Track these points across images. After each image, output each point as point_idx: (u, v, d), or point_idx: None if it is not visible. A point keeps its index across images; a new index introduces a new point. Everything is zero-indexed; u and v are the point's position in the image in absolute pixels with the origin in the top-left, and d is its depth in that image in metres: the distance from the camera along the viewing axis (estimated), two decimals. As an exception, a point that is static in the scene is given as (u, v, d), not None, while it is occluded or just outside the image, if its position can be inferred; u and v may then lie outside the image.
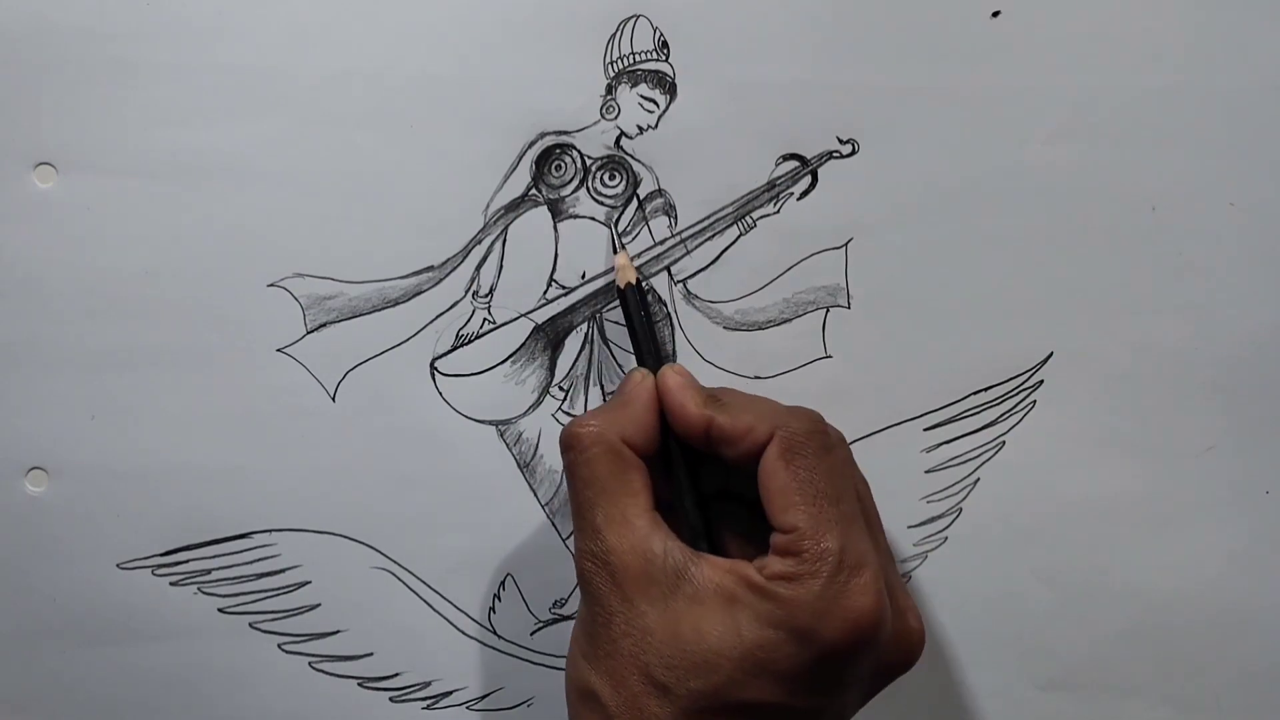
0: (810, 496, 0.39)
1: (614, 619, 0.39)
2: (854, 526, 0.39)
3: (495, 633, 0.50)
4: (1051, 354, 0.49)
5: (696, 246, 0.48)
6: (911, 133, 0.48)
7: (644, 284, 0.48)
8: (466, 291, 0.48)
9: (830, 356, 0.49)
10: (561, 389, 0.49)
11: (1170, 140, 0.48)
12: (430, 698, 0.50)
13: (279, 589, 0.49)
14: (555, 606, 0.50)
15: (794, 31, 0.47)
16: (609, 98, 0.47)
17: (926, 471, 0.50)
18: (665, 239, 0.48)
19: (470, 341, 0.48)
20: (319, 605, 0.49)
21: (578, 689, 0.40)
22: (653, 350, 0.45)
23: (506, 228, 0.48)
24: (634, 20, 0.47)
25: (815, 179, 0.48)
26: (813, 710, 0.39)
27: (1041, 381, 0.49)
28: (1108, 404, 0.49)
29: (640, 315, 0.45)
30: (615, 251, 0.47)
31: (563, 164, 0.48)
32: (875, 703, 0.49)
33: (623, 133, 0.48)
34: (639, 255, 0.48)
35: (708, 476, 0.43)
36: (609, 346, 0.49)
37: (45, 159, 0.46)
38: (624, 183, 0.48)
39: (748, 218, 0.48)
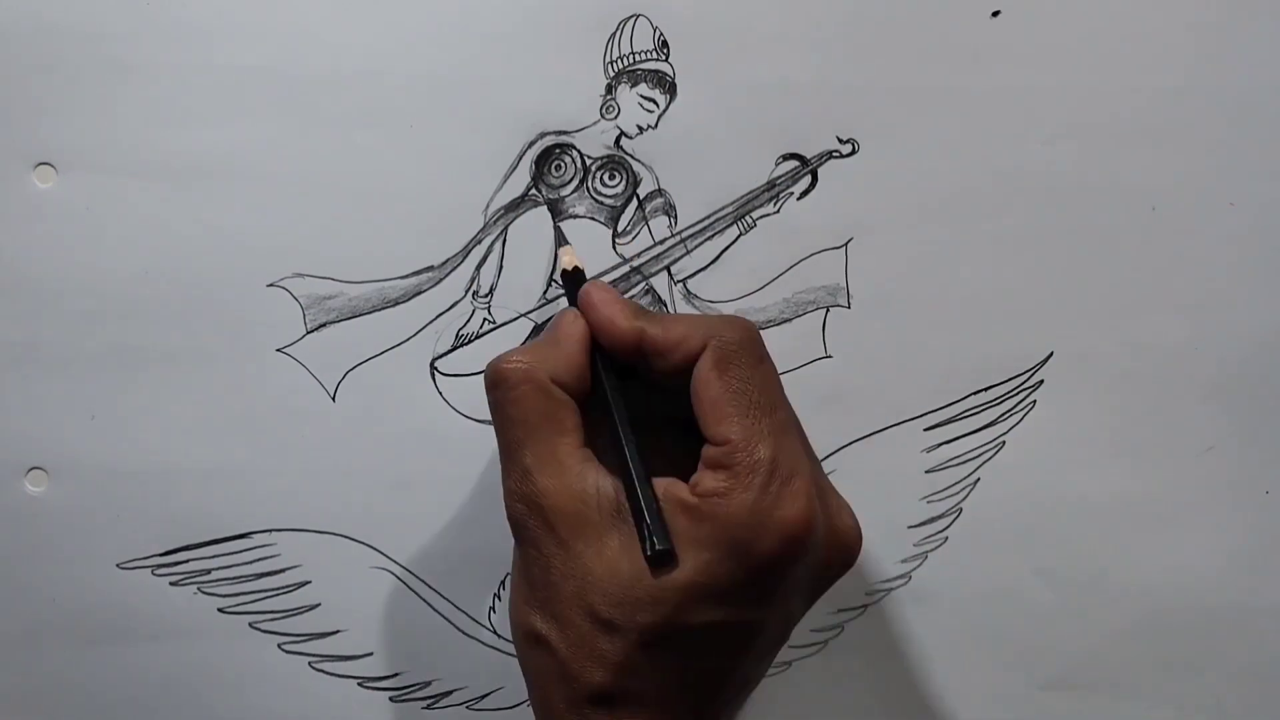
0: (744, 406, 0.39)
1: (552, 562, 0.38)
2: (787, 435, 0.39)
3: (495, 632, 0.50)
4: (1052, 354, 0.49)
5: (696, 246, 0.48)
6: (911, 133, 0.48)
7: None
8: (466, 291, 0.48)
9: (830, 356, 0.49)
10: (561, 389, 0.49)
11: (1170, 140, 0.48)
12: (430, 697, 0.50)
13: (279, 589, 0.49)
14: (555, 606, 0.50)
15: (794, 31, 0.47)
16: (609, 97, 0.47)
17: (927, 471, 0.50)
18: (665, 239, 0.48)
19: (470, 341, 0.48)
20: (319, 605, 0.49)
21: (524, 633, 0.40)
22: None
23: (506, 228, 0.48)
24: (634, 20, 0.47)
25: (815, 179, 0.48)
26: (757, 621, 0.39)
27: (1042, 381, 0.49)
28: (1108, 404, 0.49)
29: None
30: (559, 245, 0.48)
31: (562, 164, 0.48)
32: (875, 700, 0.49)
33: (622, 132, 0.48)
34: (639, 255, 0.48)
35: (638, 406, 0.42)
36: (609, 346, 0.49)
37: (45, 159, 0.46)
38: (624, 182, 0.48)
39: (747, 217, 0.48)
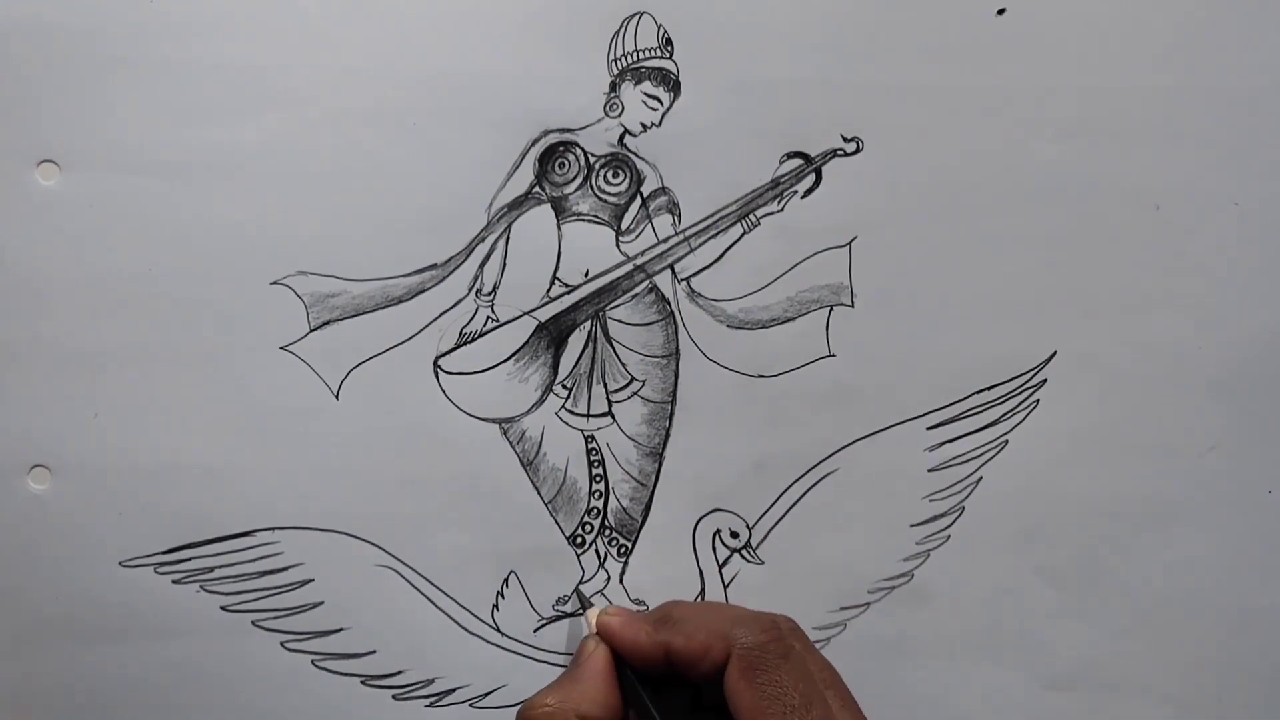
0: (779, 712, 0.39)
1: None
2: None
3: (498, 630, 0.50)
4: (1055, 353, 0.49)
5: (700, 244, 0.48)
6: (916, 131, 0.48)
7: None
8: (470, 289, 0.48)
9: (834, 355, 0.49)
10: (565, 387, 0.49)
11: (1174, 139, 0.48)
12: (433, 695, 0.50)
13: (281, 587, 0.49)
14: (558, 603, 0.50)
15: (798, 29, 0.47)
16: (613, 95, 0.47)
17: (929, 470, 0.50)
18: (669, 237, 0.48)
19: (473, 339, 0.48)
20: (321, 603, 0.49)
21: None
22: None
23: (510, 226, 0.48)
24: (638, 17, 0.47)
25: (819, 177, 0.48)
26: None
27: (1045, 380, 0.49)
28: (1110, 403, 0.50)
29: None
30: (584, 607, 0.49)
31: (566, 162, 0.48)
32: (879, 699, 0.49)
33: (626, 130, 0.48)
34: (643, 253, 0.48)
35: (677, 710, 0.44)
36: (611, 344, 0.49)
37: (48, 156, 0.46)
38: (627, 180, 0.48)
39: (751, 216, 0.48)
